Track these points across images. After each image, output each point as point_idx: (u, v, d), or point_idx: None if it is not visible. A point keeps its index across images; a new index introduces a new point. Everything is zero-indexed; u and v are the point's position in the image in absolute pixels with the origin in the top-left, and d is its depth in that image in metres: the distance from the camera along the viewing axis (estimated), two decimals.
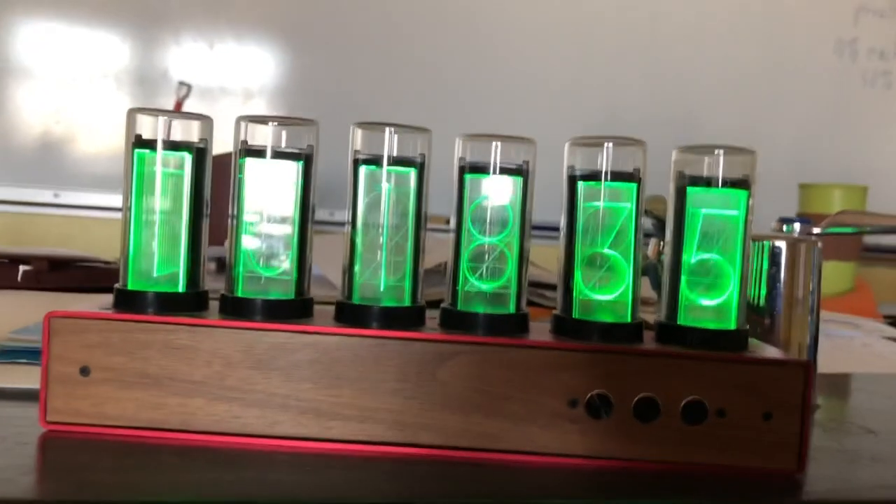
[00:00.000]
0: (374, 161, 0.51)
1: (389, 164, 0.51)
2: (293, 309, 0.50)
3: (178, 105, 1.50)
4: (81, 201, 1.60)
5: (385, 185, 0.51)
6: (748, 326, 0.52)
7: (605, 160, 0.51)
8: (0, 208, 1.59)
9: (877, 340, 1.02)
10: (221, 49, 1.64)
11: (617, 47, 1.75)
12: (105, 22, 1.61)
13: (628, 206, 0.51)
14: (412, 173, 0.51)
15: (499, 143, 0.51)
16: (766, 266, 0.66)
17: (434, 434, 0.48)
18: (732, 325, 0.51)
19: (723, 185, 0.51)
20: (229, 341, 0.48)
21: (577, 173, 0.51)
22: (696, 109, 1.76)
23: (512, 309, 0.51)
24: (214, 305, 0.51)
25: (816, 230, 0.68)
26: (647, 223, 0.66)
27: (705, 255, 0.51)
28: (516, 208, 0.51)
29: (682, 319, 0.51)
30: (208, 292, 0.52)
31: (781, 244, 0.66)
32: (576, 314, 0.51)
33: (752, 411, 0.48)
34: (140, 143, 0.50)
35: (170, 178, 0.50)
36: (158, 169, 0.50)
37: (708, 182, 0.51)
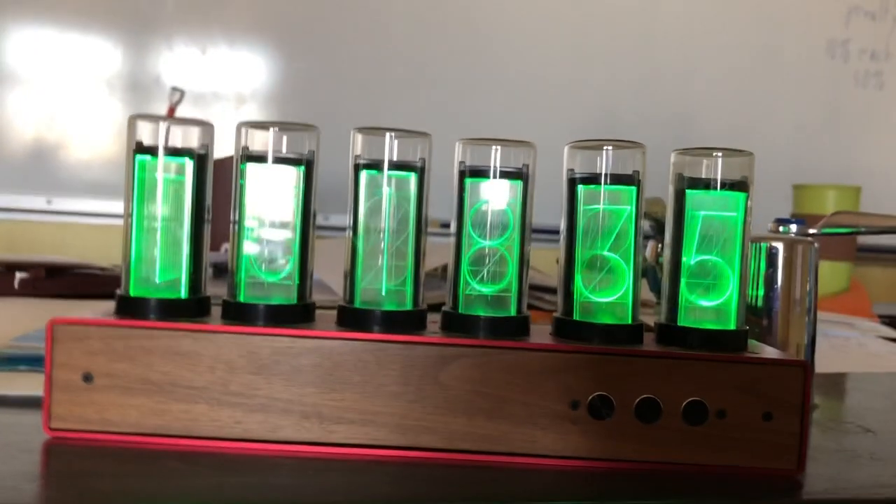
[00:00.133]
0: (375, 166, 0.51)
1: (390, 169, 0.51)
2: (295, 314, 0.50)
3: (171, 111, 1.50)
4: (75, 208, 1.59)
5: (386, 190, 0.51)
6: (748, 327, 0.52)
7: (604, 163, 0.51)
8: None
9: (872, 340, 1.03)
10: (214, 54, 1.64)
11: (612, 49, 1.75)
12: (97, 28, 1.61)
13: (628, 208, 0.51)
14: (412, 178, 0.51)
15: (498, 147, 0.51)
16: (763, 267, 0.66)
17: (436, 437, 0.48)
18: (732, 326, 0.51)
19: (721, 188, 0.51)
20: (232, 347, 0.48)
21: (577, 176, 0.52)
22: (690, 111, 1.77)
23: (513, 312, 0.52)
24: (216, 310, 0.52)
25: (812, 231, 0.69)
26: (645, 225, 0.66)
27: (705, 257, 0.51)
28: (516, 211, 0.51)
29: (683, 320, 0.51)
30: (210, 298, 0.52)
31: (779, 245, 0.66)
32: (576, 316, 0.51)
33: (752, 412, 0.48)
34: (141, 149, 0.50)
35: (171, 184, 0.51)
36: (160, 175, 0.50)
37: (707, 184, 0.51)
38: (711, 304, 0.51)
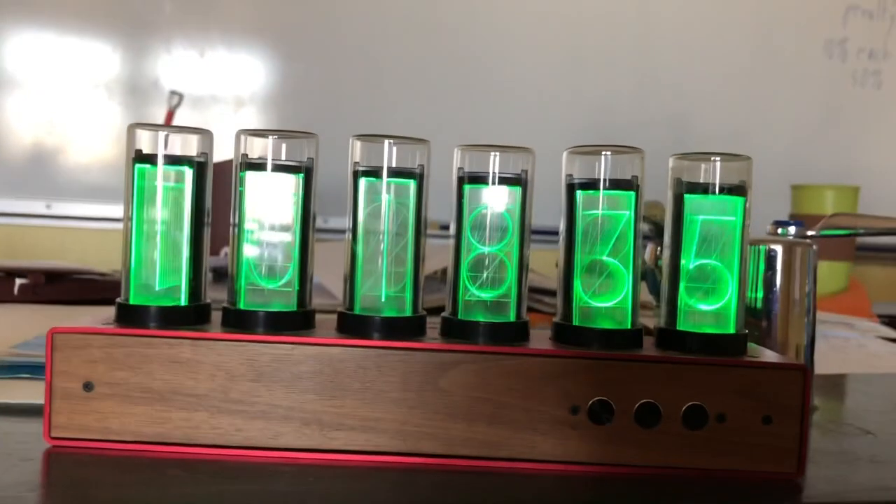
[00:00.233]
0: (374, 173, 0.51)
1: (389, 176, 0.51)
2: (295, 321, 0.51)
3: (170, 114, 1.50)
4: (74, 212, 1.60)
5: (385, 197, 0.51)
6: (747, 331, 0.52)
7: (603, 168, 0.51)
8: None
9: (872, 340, 1.03)
10: (212, 57, 1.64)
11: (609, 52, 1.75)
12: (95, 32, 1.61)
13: (627, 213, 0.51)
14: (411, 184, 0.51)
15: (497, 154, 0.51)
16: (762, 269, 0.66)
17: (437, 443, 0.48)
18: (731, 330, 0.51)
19: (720, 192, 0.51)
20: (232, 354, 0.48)
21: (576, 182, 0.52)
22: (688, 112, 1.77)
23: (512, 317, 0.52)
24: (216, 317, 0.52)
25: (811, 233, 0.69)
26: (645, 228, 0.66)
27: (704, 261, 0.51)
28: (515, 217, 0.52)
29: (682, 325, 0.52)
30: (210, 305, 0.52)
31: (777, 248, 0.66)
32: (576, 321, 0.52)
33: (751, 416, 0.49)
34: (140, 157, 0.50)
35: (170, 192, 0.51)
36: (159, 183, 0.50)
37: (705, 189, 0.51)
38: (711, 309, 0.51)
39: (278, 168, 0.51)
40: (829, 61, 1.85)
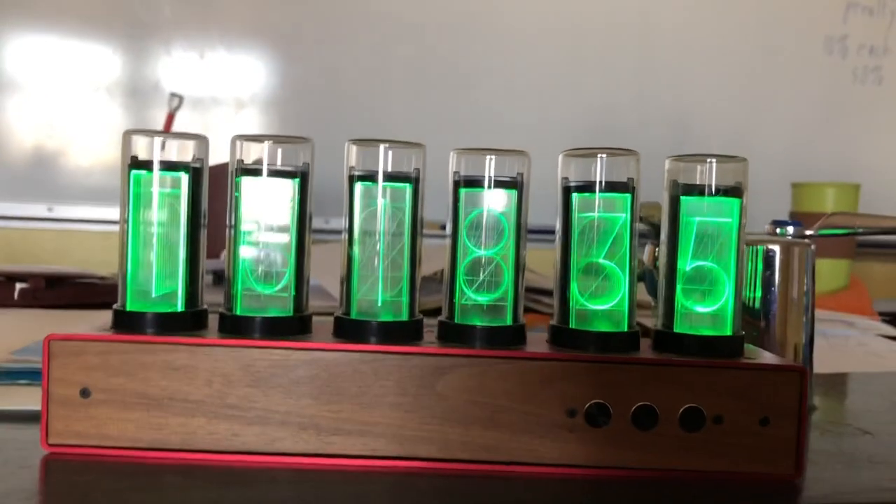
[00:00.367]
0: (370, 177, 0.51)
1: (384, 180, 0.51)
2: (292, 326, 0.51)
3: (171, 116, 1.50)
4: (75, 215, 1.60)
5: (381, 201, 0.51)
6: (744, 332, 0.52)
7: (598, 171, 0.51)
8: None
9: (872, 339, 1.03)
10: (212, 59, 1.64)
11: (608, 49, 1.75)
12: (96, 34, 1.61)
13: (623, 216, 0.51)
14: (407, 188, 0.51)
15: (493, 157, 0.51)
16: (760, 269, 0.66)
17: (434, 447, 0.48)
18: (728, 332, 0.51)
19: (716, 194, 0.51)
20: (229, 360, 0.48)
21: (572, 185, 0.52)
22: (688, 110, 1.76)
23: (509, 321, 0.52)
24: (214, 319, 0.52)
25: (809, 233, 0.69)
26: (643, 229, 0.66)
27: (700, 263, 0.51)
28: (511, 220, 0.52)
29: (679, 327, 0.52)
30: (207, 310, 0.52)
31: (775, 248, 0.66)
32: (572, 324, 0.52)
33: (749, 417, 0.49)
34: (136, 164, 0.51)
35: (166, 198, 0.51)
36: (155, 190, 0.50)
37: (701, 191, 0.51)
38: (707, 311, 0.51)
39: (274, 173, 0.51)
40: (829, 58, 1.84)
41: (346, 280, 0.52)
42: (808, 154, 1.80)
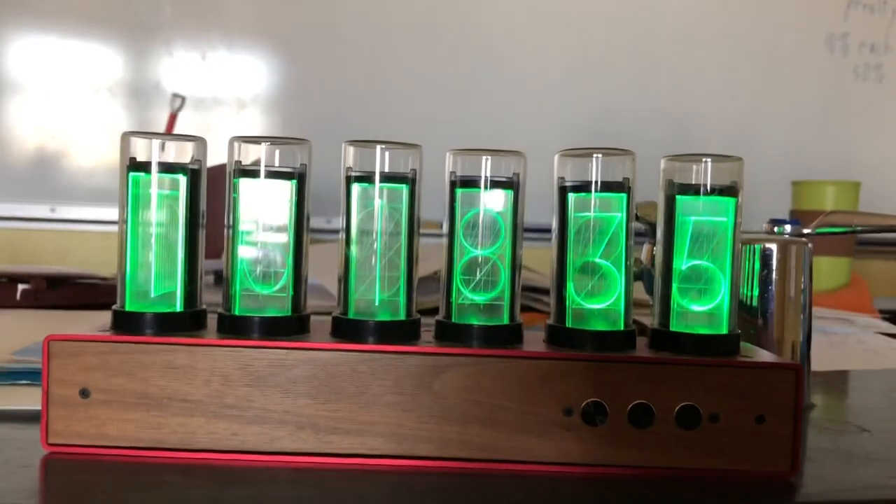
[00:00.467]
0: (366, 178, 0.51)
1: (381, 181, 0.51)
2: (290, 325, 0.51)
3: (173, 117, 1.50)
4: (78, 215, 1.60)
5: (377, 202, 0.51)
6: (740, 331, 0.52)
7: (594, 171, 0.52)
8: None
9: (871, 336, 1.03)
10: (214, 59, 1.64)
11: (608, 47, 1.75)
12: (97, 35, 1.62)
13: (619, 215, 0.52)
14: (404, 189, 0.51)
15: (489, 157, 0.51)
16: (757, 267, 0.66)
17: (431, 446, 0.49)
18: (724, 330, 0.51)
19: (711, 193, 0.51)
20: (227, 360, 0.48)
21: (568, 184, 0.52)
22: (689, 108, 1.77)
23: (506, 320, 0.52)
24: (212, 322, 0.52)
25: (807, 231, 0.69)
26: (641, 228, 0.66)
27: (696, 262, 0.52)
28: (507, 220, 0.52)
29: (675, 325, 0.52)
30: (206, 310, 0.53)
31: (772, 246, 0.66)
32: (569, 323, 0.52)
33: (745, 415, 0.49)
34: (134, 165, 0.51)
35: (165, 199, 0.51)
36: (154, 191, 0.51)
37: (696, 190, 0.51)
38: (703, 309, 0.52)
39: (271, 174, 0.51)
40: (830, 56, 1.84)
41: (344, 280, 0.52)
42: (809, 152, 1.80)
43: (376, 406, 0.49)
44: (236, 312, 0.51)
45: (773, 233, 0.68)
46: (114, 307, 0.51)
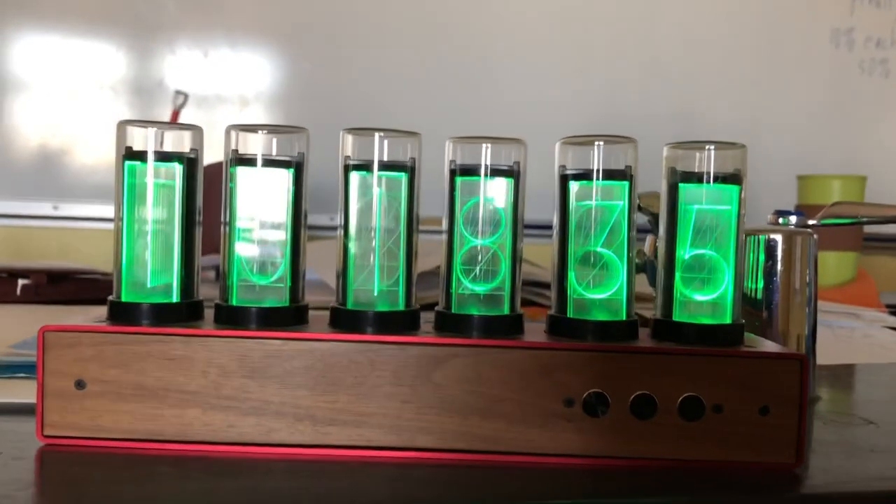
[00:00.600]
0: (365, 167, 0.51)
1: (380, 170, 0.50)
2: (288, 316, 0.50)
3: (176, 114, 1.50)
4: (81, 213, 1.60)
5: (376, 191, 0.51)
6: (744, 321, 0.52)
7: (596, 159, 0.51)
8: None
9: (878, 331, 1.02)
10: (216, 57, 1.64)
11: (614, 40, 1.75)
12: (100, 33, 1.62)
13: (620, 203, 0.51)
14: (403, 178, 0.51)
15: (489, 146, 0.51)
16: (762, 259, 0.66)
17: (431, 437, 0.48)
18: (728, 320, 0.51)
19: (714, 181, 0.51)
20: (224, 351, 0.48)
21: (569, 173, 0.51)
22: (694, 102, 1.76)
23: (506, 310, 0.51)
24: (210, 314, 0.51)
25: (812, 222, 0.68)
26: (644, 220, 0.66)
27: (699, 251, 0.51)
28: (508, 209, 0.51)
29: (678, 315, 0.51)
30: (203, 301, 0.52)
31: (777, 237, 0.66)
32: (570, 313, 0.51)
33: (748, 406, 0.48)
34: (130, 154, 0.50)
35: (161, 188, 0.51)
36: (150, 180, 0.50)
37: (699, 178, 0.51)
38: (706, 299, 0.51)
39: (269, 163, 0.51)
40: (835, 51, 1.83)
41: (343, 270, 0.51)
42: (815, 147, 1.79)
43: (375, 397, 0.48)
44: (233, 303, 0.50)
45: (777, 224, 0.68)
46: (110, 298, 0.51)
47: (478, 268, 0.51)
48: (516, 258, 0.51)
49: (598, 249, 0.51)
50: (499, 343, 0.48)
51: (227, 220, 0.51)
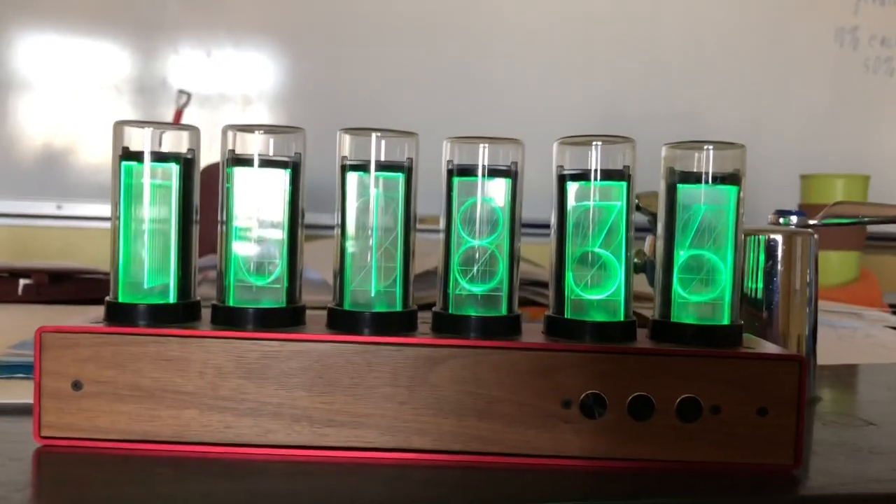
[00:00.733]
0: (362, 167, 0.50)
1: (377, 170, 0.50)
2: (285, 317, 0.50)
3: (179, 113, 1.50)
4: (84, 212, 1.60)
5: (373, 191, 0.50)
6: (742, 322, 0.52)
7: (594, 159, 0.51)
8: (3, 221, 1.59)
9: (880, 331, 1.02)
10: (219, 56, 1.64)
11: (617, 40, 1.74)
12: (103, 33, 1.62)
13: (618, 204, 0.51)
14: (400, 178, 0.51)
15: (486, 146, 0.51)
16: (762, 259, 0.66)
17: (428, 438, 0.48)
18: (726, 321, 0.51)
19: (713, 181, 0.50)
20: (220, 351, 0.48)
21: (566, 173, 0.51)
22: (698, 102, 1.75)
23: (504, 311, 0.51)
24: (207, 314, 0.51)
25: (813, 222, 0.68)
26: (644, 220, 0.65)
27: (697, 252, 0.51)
28: (505, 209, 0.51)
29: (676, 316, 0.51)
30: (200, 302, 0.52)
31: (777, 237, 0.65)
32: (568, 314, 0.51)
33: (746, 407, 0.48)
34: (127, 155, 0.50)
35: (158, 189, 0.50)
36: (146, 181, 0.50)
37: (698, 178, 0.51)
38: (705, 299, 0.51)
39: (266, 163, 0.50)
40: (840, 49, 1.83)
41: (340, 271, 0.51)
42: (819, 146, 1.79)
43: (372, 398, 0.48)
44: (230, 304, 0.50)
45: (778, 224, 0.67)
46: (107, 298, 0.51)
47: (475, 268, 0.51)
48: (514, 258, 0.51)
49: (596, 250, 0.51)
50: (496, 344, 0.48)
51: (224, 220, 0.51)
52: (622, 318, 0.51)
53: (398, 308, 0.51)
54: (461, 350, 0.48)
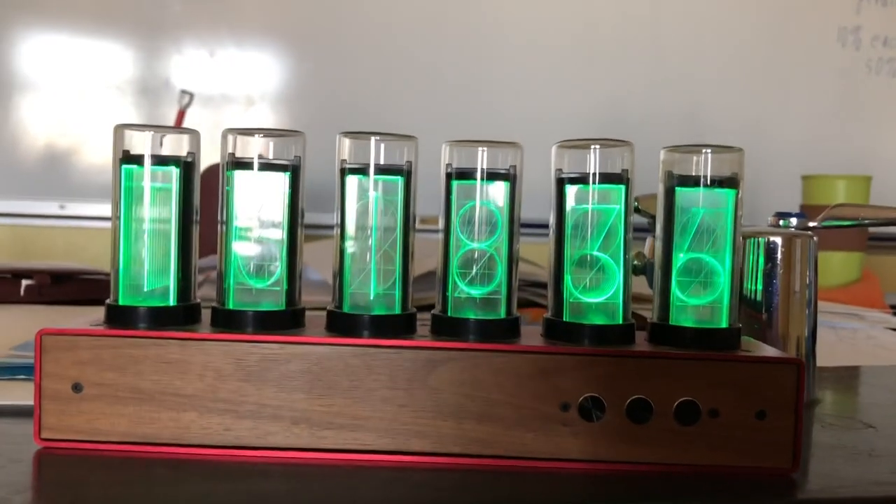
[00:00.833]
0: (361, 170, 0.51)
1: (376, 173, 0.51)
2: (284, 320, 0.50)
3: (181, 114, 1.50)
4: (87, 212, 1.60)
5: (372, 194, 0.51)
6: (741, 325, 0.52)
7: (592, 162, 0.51)
8: (6, 221, 1.59)
9: (881, 332, 1.02)
10: (222, 57, 1.64)
11: (618, 41, 1.74)
12: (106, 33, 1.62)
13: (617, 207, 0.51)
14: (399, 181, 0.51)
15: (485, 149, 0.51)
16: (762, 261, 0.66)
17: (426, 441, 0.48)
18: (724, 324, 0.51)
19: (711, 184, 0.51)
20: (220, 354, 0.48)
21: (565, 176, 0.51)
22: (700, 103, 1.75)
23: (503, 314, 0.51)
24: (206, 316, 0.52)
25: (813, 224, 0.68)
26: (644, 222, 0.66)
27: (695, 255, 0.51)
28: (504, 213, 0.51)
29: (674, 319, 0.51)
30: (200, 305, 0.52)
31: (777, 239, 0.65)
32: (566, 317, 0.51)
33: (745, 410, 0.48)
34: (127, 158, 0.50)
35: (158, 192, 0.51)
36: (146, 184, 0.50)
37: (696, 182, 0.51)
38: (703, 303, 0.51)
39: (265, 167, 0.51)
40: (842, 49, 1.83)
41: (339, 274, 0.51)
42: (821, 147, 1.78)
43: (371, 401, 0.48)
44: (230, 306, 0.50)
45: (778, 226, 0.67)
46: (107, 301, 0.51)
47: (474, 271, 0.51)
48: (512, 261, 0.51)
49: (595, 253, 0.51)
50: (495, 347, 0.48)
51: (225, 223, 0.51)
52: (621, 321, 0.51)
53: (397, 311, 0.51)
54: (460, 353, 0.48)
